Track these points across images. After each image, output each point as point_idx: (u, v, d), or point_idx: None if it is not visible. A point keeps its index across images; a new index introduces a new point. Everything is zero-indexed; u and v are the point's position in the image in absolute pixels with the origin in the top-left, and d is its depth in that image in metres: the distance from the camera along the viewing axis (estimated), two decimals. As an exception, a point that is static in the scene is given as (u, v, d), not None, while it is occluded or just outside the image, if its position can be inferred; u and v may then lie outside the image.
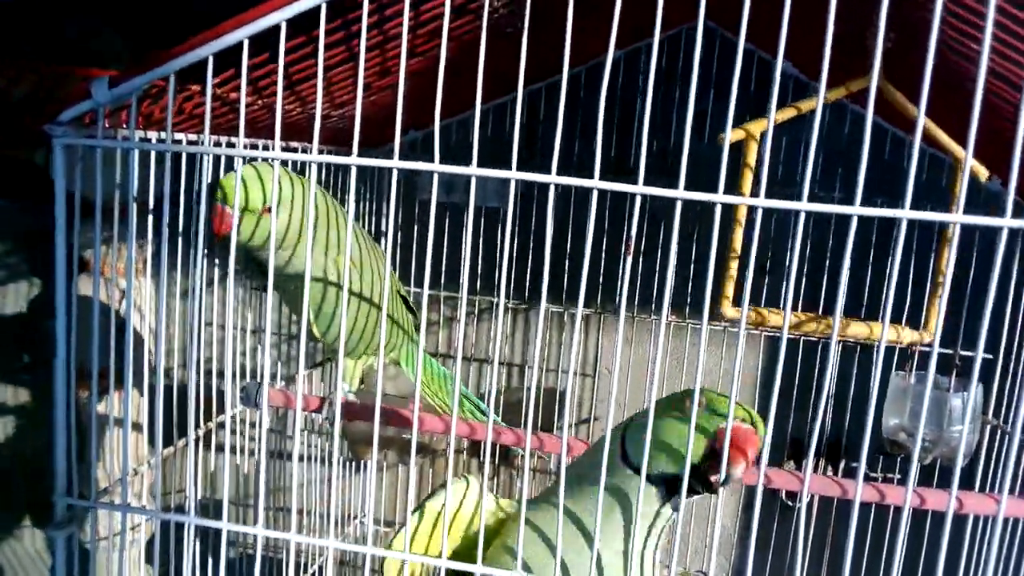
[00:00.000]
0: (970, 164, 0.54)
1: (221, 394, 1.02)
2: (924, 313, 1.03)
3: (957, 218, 0.54)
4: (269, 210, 0.92)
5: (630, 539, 0.65)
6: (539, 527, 0.68)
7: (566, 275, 1.52)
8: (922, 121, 0.53)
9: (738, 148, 1.01)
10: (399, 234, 1.53)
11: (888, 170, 1.34)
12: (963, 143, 0.55)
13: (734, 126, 0.79)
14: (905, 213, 0.54)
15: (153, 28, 1.49)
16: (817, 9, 0.58)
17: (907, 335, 0.97)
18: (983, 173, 0.95)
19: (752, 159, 0.85)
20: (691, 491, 0.62)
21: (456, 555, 0.71)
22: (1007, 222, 0.53)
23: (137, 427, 1.32)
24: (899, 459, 1.45)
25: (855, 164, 0.53)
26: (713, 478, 0.60)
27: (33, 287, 1.57)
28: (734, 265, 0.81)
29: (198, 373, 0.77)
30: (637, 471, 0.63)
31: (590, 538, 0.65)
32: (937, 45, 0.52)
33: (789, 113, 0.86)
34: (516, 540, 0.65)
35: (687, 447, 0.59)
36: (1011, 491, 0.86)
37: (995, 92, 0.88)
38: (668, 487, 0.63)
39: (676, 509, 0.64)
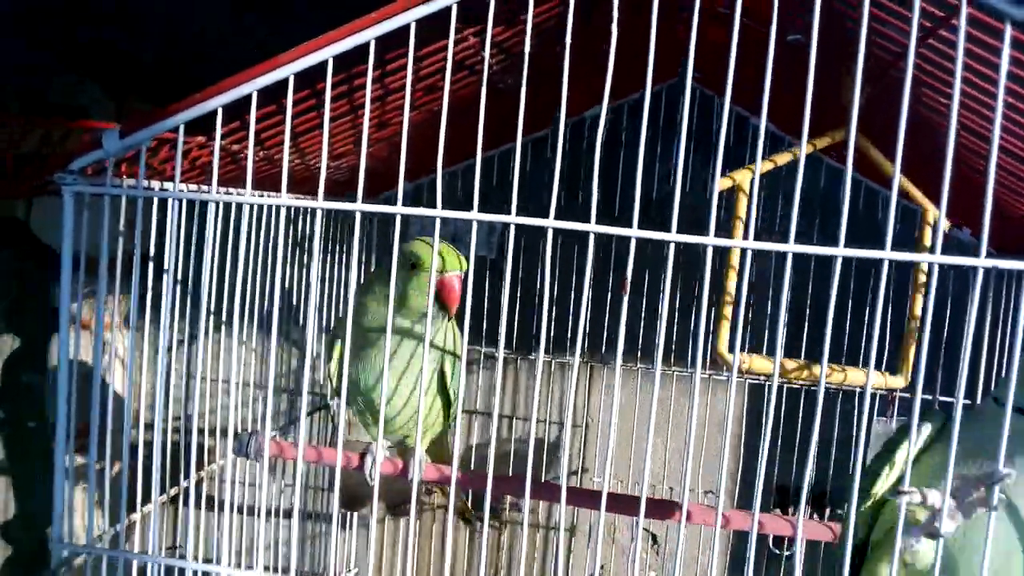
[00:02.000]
0: (942, 215, 0.58)
1: (211, 449, 1.01)
2: (901, 357, 1.05)
3: (935, 258, 0.57)
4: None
5: None
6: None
7: (554, 325, 1.54)
8: (898, 177, 0.57)
9: (723, 196, 1.04)
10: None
11: (863, 223, 1.39)
12: (934, 191, 0.58)
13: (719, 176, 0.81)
14: (887, 254, 0.57)
15: (134, 82, 1.52)
16: (794, 68, 0.62)
17: (894, 381, 0.99)
18: (945, 224, 0.99)
19: (743, 203, 0.87)
20: None
21: None
22: (981, 262, 0.56)
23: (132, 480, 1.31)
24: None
25: (832, 214, 0.57)
26: None
27: (12, 341, 1.56)
28: (728, 310, 0.82)
29: (190, 425, 0.77)
30: None
31: None
32: (908, 100, 0.56)
33: (786, 157, 0.88)
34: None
35: None
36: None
37: (965, 145, 0.93)
38: None
39: None
